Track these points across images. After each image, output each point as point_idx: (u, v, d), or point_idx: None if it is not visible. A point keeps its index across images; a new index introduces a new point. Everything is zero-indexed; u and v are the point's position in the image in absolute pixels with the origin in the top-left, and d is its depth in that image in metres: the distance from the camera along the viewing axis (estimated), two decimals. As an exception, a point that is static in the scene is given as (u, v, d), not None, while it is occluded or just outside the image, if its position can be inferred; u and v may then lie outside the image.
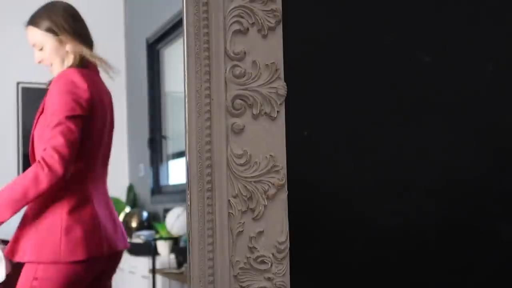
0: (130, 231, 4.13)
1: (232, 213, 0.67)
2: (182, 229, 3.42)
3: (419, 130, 0.76)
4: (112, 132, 1.86)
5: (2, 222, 1.59)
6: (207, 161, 0.67)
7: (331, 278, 0.73)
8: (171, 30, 4.11)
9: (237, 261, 0.67)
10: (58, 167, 1.48)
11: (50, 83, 1.70)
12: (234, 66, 0.68)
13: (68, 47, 1.68)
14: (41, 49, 1.71)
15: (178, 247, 3.37)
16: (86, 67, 1.69)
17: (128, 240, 4.07)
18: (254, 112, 0.68)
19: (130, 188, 4.77)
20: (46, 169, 1.47)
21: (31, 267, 1.55)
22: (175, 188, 4.17)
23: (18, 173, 4.50)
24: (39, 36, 1.68)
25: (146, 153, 4.49)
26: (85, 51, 1.69)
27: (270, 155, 0.68)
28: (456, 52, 0.78)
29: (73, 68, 1.67)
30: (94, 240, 1.59)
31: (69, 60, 1.69)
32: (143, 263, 3.59)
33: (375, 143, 0.75)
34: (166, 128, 4.45)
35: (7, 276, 1.58)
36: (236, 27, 0.68)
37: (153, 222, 4.20)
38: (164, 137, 4.44)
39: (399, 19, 0.77)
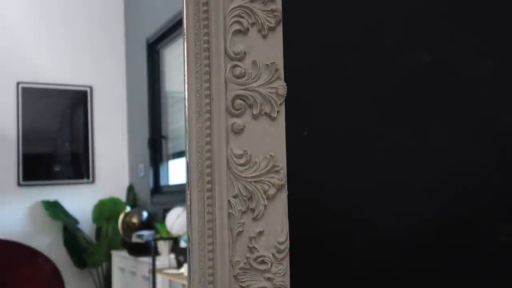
0: (130, 231, 4.13)
1: (232, 213, 0.67)
2: (182, 229, 3.42)
3: (419, 130, 0.76)
4: None
5: None
6: (207, 161, 0.67)
7: (331, 278, 0.73)
8: (171, 30, 4.11)
9: (237, 261, 0.67)
10: None
11: None
12: (234, 66, 0.68)
13: None
14: None
15: (178, 247, 3.37)
16: None
17: (128, 240, 4.07)
18: (254, 112, 0.68)
19: (130, 188, 4.78)
20: None
21: None
22: (175, 188, 4.17)
23: (18, 173, 4.50)
24: None
25: (146, 153, 4.49)
26: None
27: (270, 155, 0.68)
28: (456, 52, 0.78)
29: None
30: None
31: None
32: (143, 263, 3.59)
33: (375, 143, 0.75)
34: (166, 128, 4.45)
35: None
36: (236, 27, 0.68)
37: (153, 222, 4.20)
38: (164, 137, 4.44)
39: (399, 19, 0.77)
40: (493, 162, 0.79)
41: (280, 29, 0.69)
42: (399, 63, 0.76)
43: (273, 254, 0.68)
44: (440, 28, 0.78)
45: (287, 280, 0.69)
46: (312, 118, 0.73)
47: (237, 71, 0.68)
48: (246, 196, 0.68)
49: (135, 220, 4.23)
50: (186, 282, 2.79)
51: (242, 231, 0.67)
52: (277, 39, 0.69)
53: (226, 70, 0.68)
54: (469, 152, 0.78)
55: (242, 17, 0.68)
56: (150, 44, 4.47)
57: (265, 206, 0.68)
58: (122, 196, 4.71)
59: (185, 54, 0.67)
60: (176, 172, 4.31)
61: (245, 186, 0.68)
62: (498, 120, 0.80)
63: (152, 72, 4.50)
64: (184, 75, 0.67)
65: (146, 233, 3.79)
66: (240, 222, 0.67)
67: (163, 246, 3.51)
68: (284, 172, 0.69)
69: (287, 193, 0.69)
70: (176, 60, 4.25)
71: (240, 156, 0.68)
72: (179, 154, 4.22)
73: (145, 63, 4.53)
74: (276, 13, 0.69)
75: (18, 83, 4.54)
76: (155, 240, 3.49)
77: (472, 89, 0.79)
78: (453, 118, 0.78)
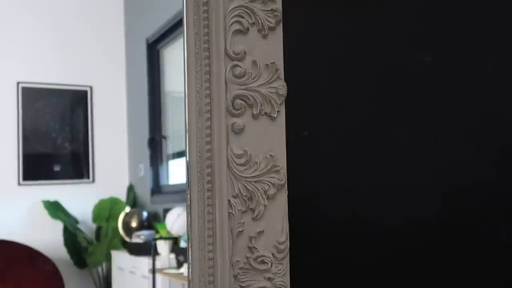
0: (130, 231, 4.13)
1: (232, 213, 0.67)
2: (182, 229, 3.42)
3: (419, 130, 0.76)
4: None
5: None
6: (207, 161, 0.67)
7: (331, 278, 0.73)
8: (171, 30, 4.11)
9: (237, 261, 0.67)
10: None
11: None
12: (234, 66, 0.68)
13: None
14: None
15: (178, 247, 3.37)
16: None
17: (128, 240, 4.07)
18: (254, 112, 0.68)
19: (130, 188, 4.78)
20: None
21: None
22: (175, 188, 4.17)
23: (18, 173, 4.50)
24: None
25: (146, 153, 4.49)
26: None
27: (270, 155, 0.68)
28: (456, 52, 0.78)
29: None
30: None
31: None
32: (143, 263, 3.59)
33: (375, 143, 0.75)
34: (166, 128, 4.45)
35: None
36: (236, 27, 0.68)
37: (153, 222, 4.20)
38: (164, 137, 4.44)
39: (399, 19, 0.77)
40: (493, 162, 0.79)
41: (280, 29, 0.69)
42: (399, 63, 0.76)
43: (273, 254, 0.68)
44: (440, 28, 0.78)
45: (287, 280, 0.69)
46: (312, 118, 0.73)
47: (237, 71, 0.68)
48: (246, 196, 0.68)
49: (135, 220, 4.23)
50: (186, 282, 2.79)
51: (242, 231, 0.67)
52: (277, 39, 0.69)
53: (226, 70, 0.68)
54: (469, 152, 0.78)
55: (242, 17, 0.68)
56: (150, 44, 4.47)
57: (265, 206, 0.68)
58: (122, 196, 4.71)
59: (185, 54, 0.67)
60: (176, 172, 4.31)
61: (245, 186, 0.68)
62: (498, 120, 0.80)
63: (152, 72, 4.49)
64: (184, 75, 0.67)
65: (146, 233, 3.79)
66: (240, 222, 0.67)
67: (163, 246, 3.51)
68: (284, 172, 0.69)
69: (287, 193, 0.69)
70: (176, 60, 4.25)
71: (240, 156, 0.68)
72: (179, 154, 4.22)
73: (145, 63, 4.52)
74: (276, 13, 0.69)
75: (18, 83, 4.54)
76: (155, 240, 3.49)
77: (472, 89, 0.79)
78: (453, 118, 0.78)
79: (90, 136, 4.78)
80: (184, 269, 3.13)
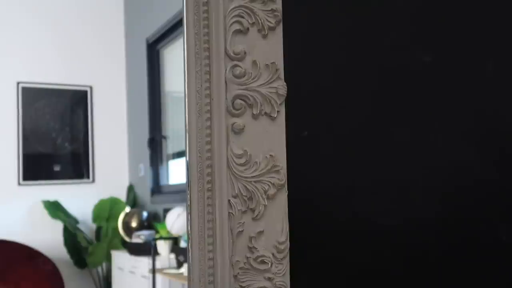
0: (130, 231, 4.13)
1: (232, 213, 0.67)
2: (182, 229, 3.42)
3: (419, 130, 0.76)
4: None
5: None
6: (207, 161, 0.67)
7: (331, 278, 0.73)
8: (171, 30, 4.11)
9: (237, 261, 0.67)
10: None
11: None
12: (234, 66, 0.68)
13: None
14: None
15: (178, 247, 3.37)
16: None
17: (128, 240, 4.07)
18: (254, 112, 0.68)
19: (130, 188, 4.78)
20: None
21: None
22: (175, 188, 4.17)
23: (18, 173, 4.50)
24: None
25: (146, 153, 4.49)
26: None
27: (270, 155, 0.68)
28: (456, 52, 0.78)
29: None
30: None
31: None
32: (143, 263, 3.59)
33: (375, 143, 0.75)
34: (166, 128, 4.45)
35: None
36: (236, 27, 0.68)
37: (153, 222, 4.20)
38: (164, 137, 4.44)
39: (399, 19, 0.77)
40: (493, 162, 0.79)
41: (280, 29, 0.69)
42: (399, 63, 0.76)
43: (273, 254, 0.68)
44: (440, 28, 0.78)
45: (287, 280, 0.69)
46: (312, 118, 0.73)
47: (237, 71, 0.68)
48: (246, 196, 0.68)
49: (135, 220, 4.23)
50: (186, 282, 2.79)
51: (242, 231, 0.67)
52: (277, 39, 0.69)
53: (226, 70, 0.68)
54: (469, 152, 0.78)
55: (242, 17, 0.68)
56: (150, 44, 4.47)
57: (265, 206, 0.68)
58: (122, 196, 4.71)
59: (185, 54, 0.67)
60: (176, 172, 4.31)
61: (245, 186, 0.68)
62: (498, 120, 0.80)
63: (152, 72, 4.50)
64: (184, 75, 0.67)
65: (146, 233, 3.79)
66: (240, 222, 0.67)
67: (163, 246, 3.51)
68: (284, 172, 0.69)
69: (287, 193, 0.69)
70: (176, 60, 4.25)
71: (240, 156, 0.68)
72: (179, 154, 4.22)
73: (145, 63, 4.53)
74: (276, 13, 0.69)
75: (18, 83, 4.54)
76: (155, 240, 3.49)
77: (472, 89, 0.79)
78: (453, 118, 0.78)
79: (90, 136, 4.78)
80: (184, 269, 3.13)
